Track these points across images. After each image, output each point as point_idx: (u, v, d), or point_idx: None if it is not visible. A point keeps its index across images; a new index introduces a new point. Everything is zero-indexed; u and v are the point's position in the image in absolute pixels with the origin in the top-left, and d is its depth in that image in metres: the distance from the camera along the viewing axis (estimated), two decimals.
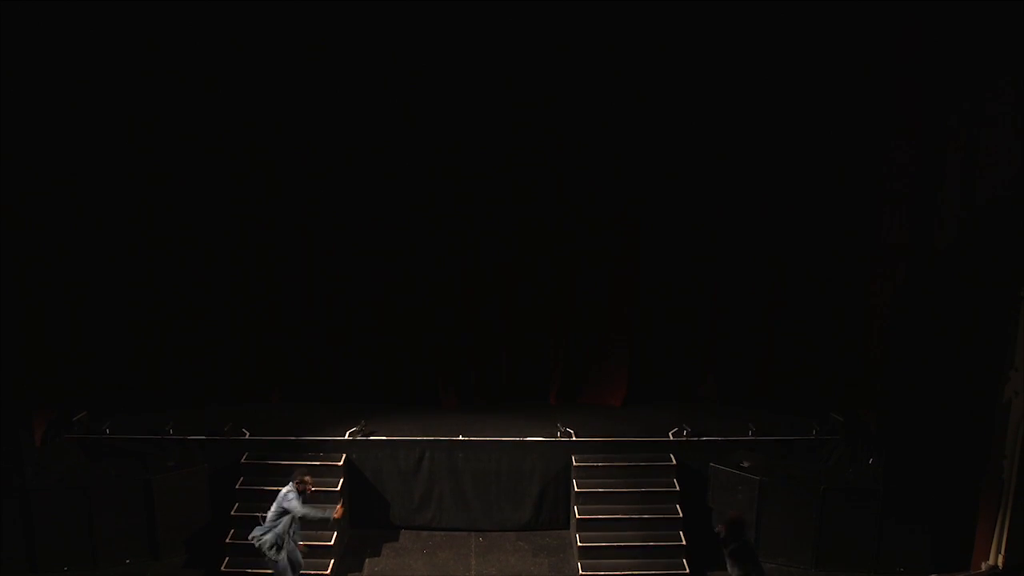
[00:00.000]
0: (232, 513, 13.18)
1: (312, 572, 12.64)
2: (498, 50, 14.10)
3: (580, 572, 12.86)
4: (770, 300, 14.99)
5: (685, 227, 14.88)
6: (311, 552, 12.26)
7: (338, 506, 12.32)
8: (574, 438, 14.06)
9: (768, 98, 14.14)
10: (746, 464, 13.48)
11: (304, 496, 11.70)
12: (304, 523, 11.86)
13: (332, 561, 12.89)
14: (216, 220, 14.61)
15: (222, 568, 12.73)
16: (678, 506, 13.44)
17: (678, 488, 13.59)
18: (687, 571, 12.85)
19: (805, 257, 14.65)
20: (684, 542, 13.08)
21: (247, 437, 13.93)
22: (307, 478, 11.76)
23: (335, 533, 13.07)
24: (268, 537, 11.49)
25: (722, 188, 14.62)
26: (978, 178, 12.46)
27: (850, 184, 14.21)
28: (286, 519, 11.57)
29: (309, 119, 14.35)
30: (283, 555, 11.58)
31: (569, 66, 14.13)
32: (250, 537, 11.65)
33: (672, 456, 13.88)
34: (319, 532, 13.02)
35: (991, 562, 12.85)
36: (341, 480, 13.54)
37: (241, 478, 13.54)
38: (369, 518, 13.92)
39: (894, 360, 13.27)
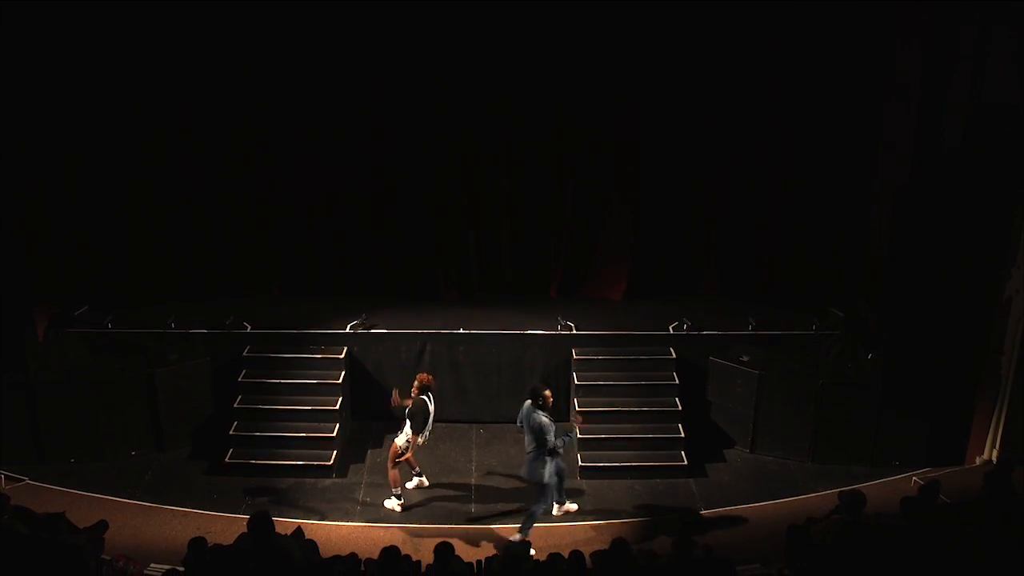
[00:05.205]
0: (235, 406, 13.32)
1: (315, 463, 12.89)
2: None
3: (579, 463, 13.05)
4: (772, 194, 14.78)
5: (687, 119, 14.52)
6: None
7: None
8: (574, 331, 14.12)
9: None
10: (745, 358, 13.56)
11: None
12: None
13: (335, 452, 13.08)
14: (214, 112, 14.27)
15: (226, 459, 12.94)
16: (677, 399, 13.57)
17: (677, 382, 13.69)
18: (685, 463, 13.03)
19: (808, 151, 14.35)
20: (683, 434, 13.24)
21: (248, 330, 13.97)
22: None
23: (337, 424, 13.25)
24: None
25: (725, 80, 14.19)
26: (986, 75, 12.18)
27: (856, 77, 13.82)
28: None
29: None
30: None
31: None
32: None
33: (672, 350, 13.96)
34: (322, 424, 13.25)
35: (985, 456, 13.06)
36: (343, 373, 13.66)
37: (243, 371, 13.64)
38: (371, 410, 14.01)
39: (895, 256, 13.24)
